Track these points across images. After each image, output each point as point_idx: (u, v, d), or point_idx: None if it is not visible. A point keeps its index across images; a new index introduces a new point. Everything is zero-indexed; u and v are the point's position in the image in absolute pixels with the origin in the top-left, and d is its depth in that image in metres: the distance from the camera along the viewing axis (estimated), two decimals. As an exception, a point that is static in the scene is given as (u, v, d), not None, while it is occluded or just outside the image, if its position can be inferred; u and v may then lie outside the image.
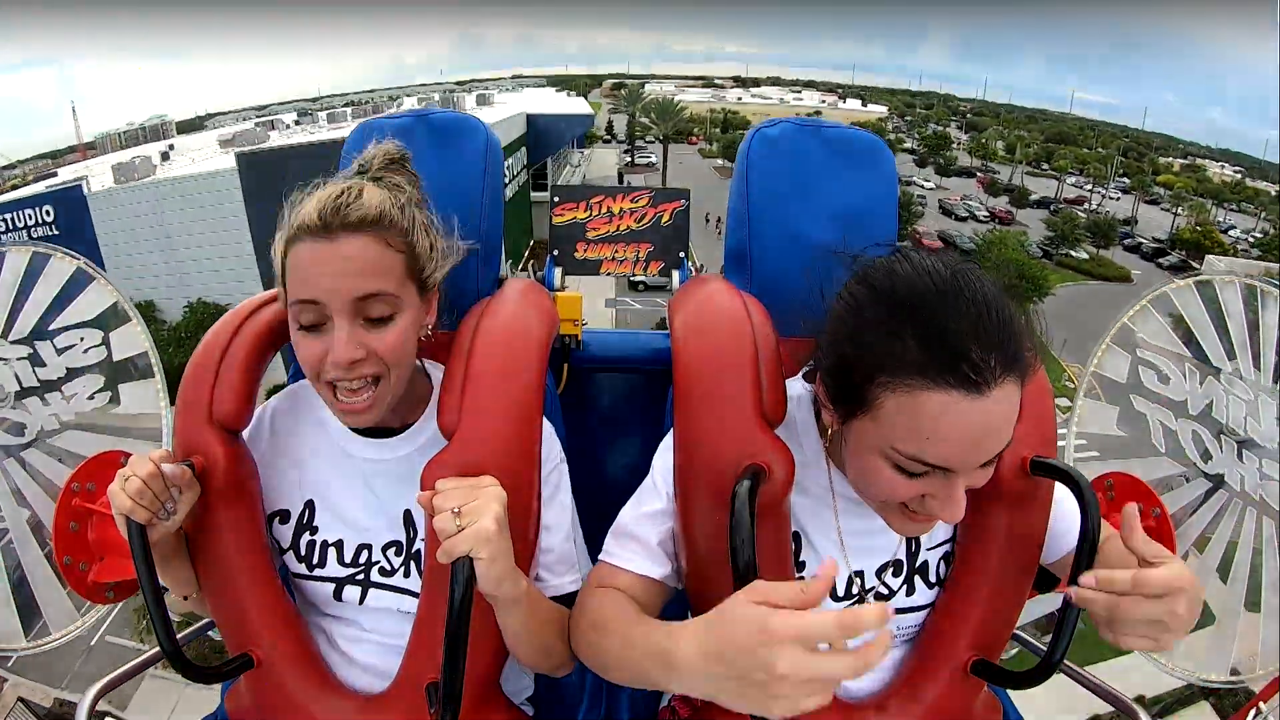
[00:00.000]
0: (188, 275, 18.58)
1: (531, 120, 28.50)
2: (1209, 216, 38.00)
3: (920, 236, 36.59)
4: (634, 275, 1.38)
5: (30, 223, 17.82)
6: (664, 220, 1.37)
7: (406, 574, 0.89)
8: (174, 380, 0.99)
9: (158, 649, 0.84)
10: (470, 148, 1.09)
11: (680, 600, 0.88)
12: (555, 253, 1.36)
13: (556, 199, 1.37)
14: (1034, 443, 0.81)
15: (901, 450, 0.66)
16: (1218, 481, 1.41)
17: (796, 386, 0.89)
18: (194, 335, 17.94)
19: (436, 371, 0.95)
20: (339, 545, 0.90)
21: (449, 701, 0.70)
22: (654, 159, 48.02)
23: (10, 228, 17.14)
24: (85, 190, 17.63)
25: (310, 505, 0.92)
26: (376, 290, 0.78)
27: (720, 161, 51.56)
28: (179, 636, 0.81)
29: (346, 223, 0.77)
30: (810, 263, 1.02)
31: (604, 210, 1.36)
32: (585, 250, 1.37)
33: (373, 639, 0.90)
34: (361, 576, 0.89)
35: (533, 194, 29.72)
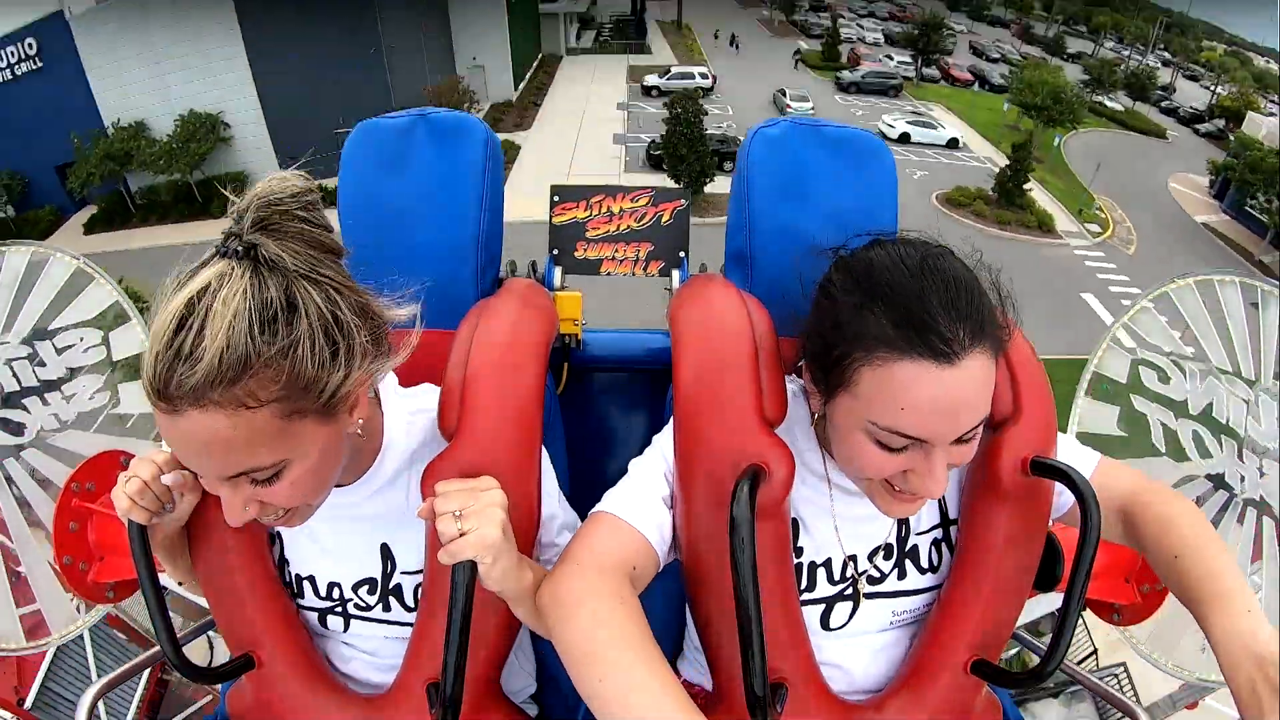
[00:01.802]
0: (176, 89, 18.33)
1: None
2: (1251, 89, 35.49)
3: (950, 67, 35.92)
4: (634, 275, 1.38)
5: (13, 60, 17.30)
6: (664, 219, 1.37)
7: (386, 608, 0.87)
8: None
9: (158, 649, 0.84)
10: (470, 147, 1.09)
11: (672, 588, 0.88)
12: (555, 252, 1.36)
13: (556, 198, 1.37)
14: (1034, 442, 0.81)
15: (879, 423, 0.70)
16: (1218, 481, 1.41)
17: (791, 384, 0.89)
18: (184, 146, 17.83)
19: (392, 400, 0.86)
20: (311, 580, 0.88)
21: (450, 701, 0.70)
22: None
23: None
24: (68, 14, 16.95)
25: (278, 535, 0.89)
26: (242, 470, 0.63)
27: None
28: (180, 636, 0.81)
29: (181, 393, 0.57)
30: (810, 262, 1.02)
31: (604, 210, 1.36)
32: (585, 250, 1.37)
33: (363, 658, 0.90)
34: (340, 610, 0.88)
35: (541, 6, 29.94)
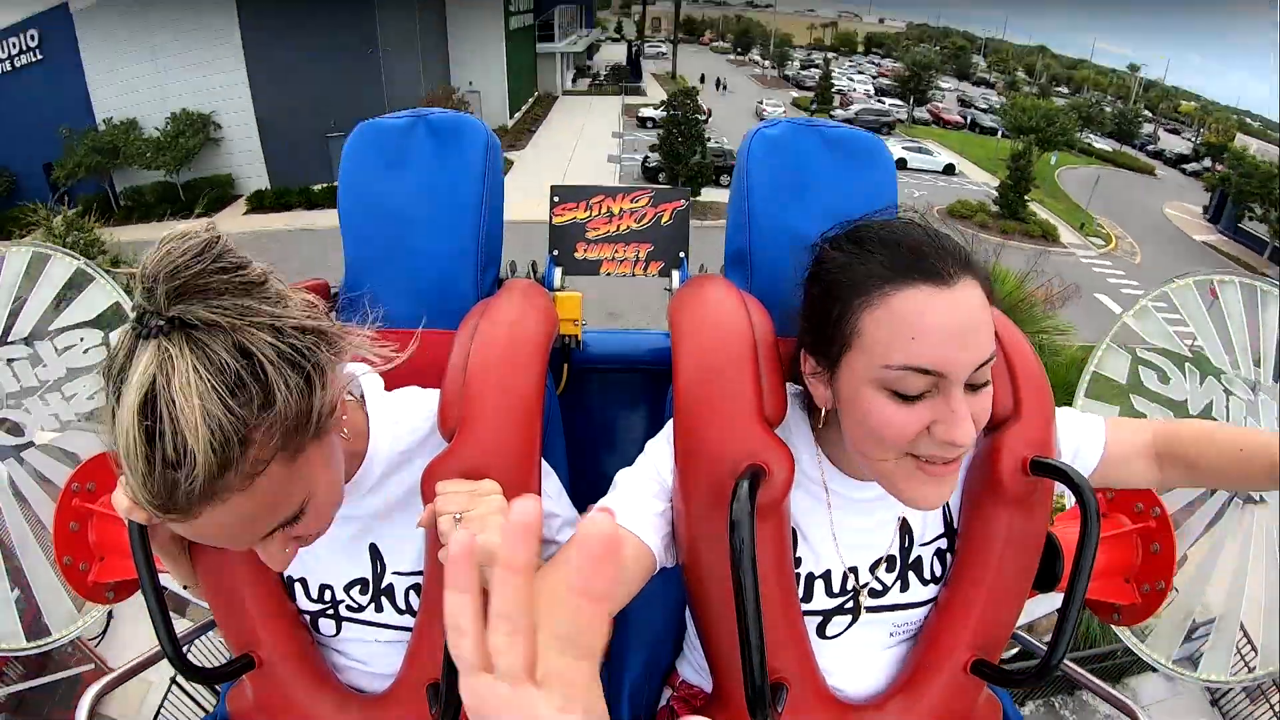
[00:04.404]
0: (171, 87, 18.34)
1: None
2: (1235, 128, 38.40)
3: (941, 111, 38.16)
4: (634, 275, 1.38)
5: (13, 51, 17.14)
6: (664, 220, 1.36)
7: (378, 609, 0.87)
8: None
9: (158, 649, 0.84)
10: (470, 148, 1.09)
11: (672, 588, 0.88)
12: (555, 253, 1.36)
13: (556, 199, 1.37)
14: (1034, 443, 0.82)
15: (892, 365, 0.67)
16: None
17: (788, 389, 0.89)
18: (172, 142, 17.76)
19: (377, 403, 0.85)
20: (303, 582, 0.88)
21: (450, 702, 0.71)
22: (664, 49, 51.69)
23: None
24: (72, 8, 16.88)
25: None
26: (268, 530, 0.63)
27: (732, 55, 56.13)
28: (180, 636, 0.81)
29: (192, 501, 0.54)
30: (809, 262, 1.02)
31: (604, 210, 1.36)
32: (585, 250, 1.36)
33: (357, 667, 0.90)
34: (332, 612, 0.88)
35: (538, 45, 31.19)
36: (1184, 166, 35.89)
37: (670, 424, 0.88)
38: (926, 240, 0.71)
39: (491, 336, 0.90)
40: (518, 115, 28.07)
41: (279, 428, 0.58)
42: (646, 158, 20.89)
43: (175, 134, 18.09)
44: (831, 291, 0.73)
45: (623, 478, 0.87)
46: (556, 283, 1.34)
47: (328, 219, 17.73)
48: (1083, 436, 0.89)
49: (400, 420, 0.85)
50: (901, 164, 25.87)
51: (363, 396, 0.84)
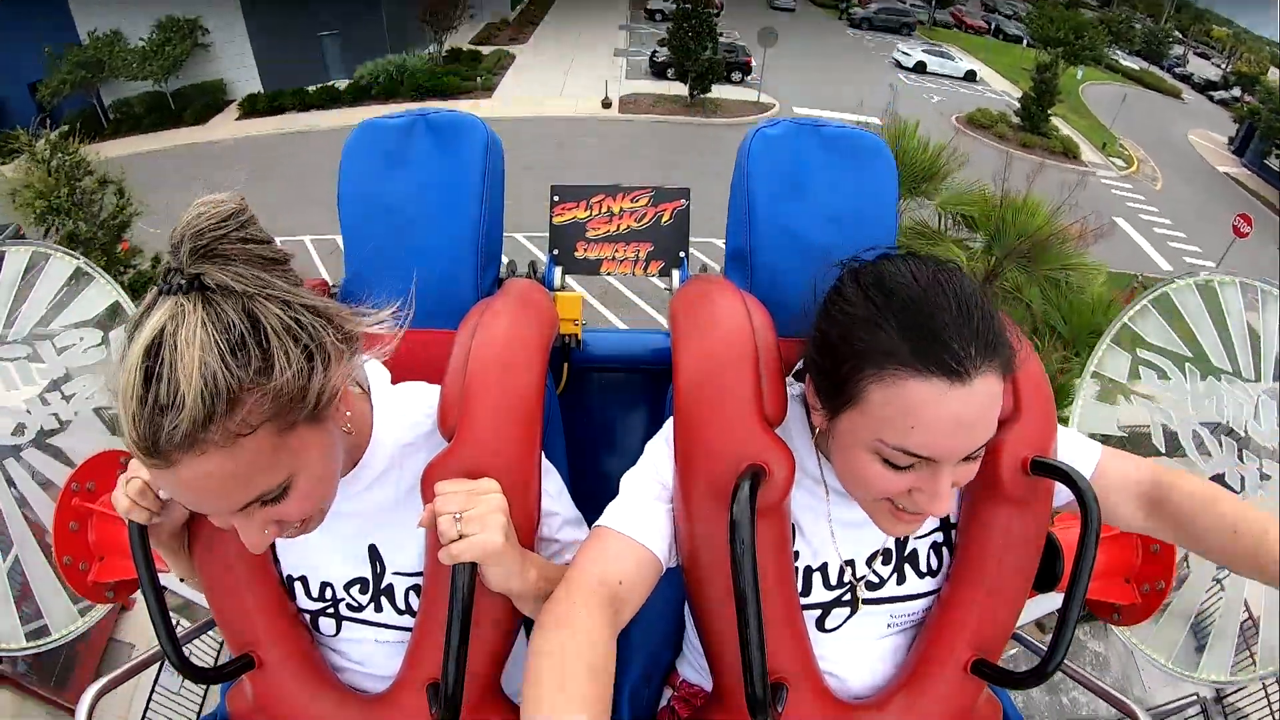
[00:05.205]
0: None
1: None
2: (1268, 61, 36.57)
3: (964, 15, 36.66)
4: (634, 275, 1.38)
5: None
6: (664, 219, 1.36)
7: (378, 609, 0.87)
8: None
9: (158, 649, 0.84)
10: (470, 147, 1.09)
11: (672, 588, 0.88)
12: (555, 252, 1.36)
13: (556, 198, 1.37)
14: (1034, 443, 0.81)
15: (887, 441, 0.68)
16: (1219, 482, 1.41)
17: (789, 387, 0.89)
18: (159, 50, 16.96)
19: (381, 397, 0.85)
20: (304, 580, 0.88)
21: (450, 702, 0.71)
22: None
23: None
24: None
25: None
26: (251, 499, 0.63)
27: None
28: (180, 636, 0.81)
29: (173, 445, 0.56)
30: (810, 262, 1.02)
31: (604, 209, 1.36)
32: (585, 250, 1.36)
33: (355, 668, 0.90)
34: (332, 610, 0.88)
35: None
36: (1211, 93, 34.18)
37: (669, 424, 0.88)
38: (955, 319, 0.66)
39: (491, 336, 0.89)
40: (520, 6, 27.20)
41: (272, 396, 0.59)
42: (655, 52, 20.07)
43: (162, 42, 17.28)
44: (847, 341, 0.71)
45: (627, 483, 0.87)
46: (556, 282, 1.34)
47: (324, 120, 17.26)
48: (1074, 452, 0.89)
49: (403, 417, 0.86)
50: (921, 68, 24.74)
51: (367, 392, 0.85)
